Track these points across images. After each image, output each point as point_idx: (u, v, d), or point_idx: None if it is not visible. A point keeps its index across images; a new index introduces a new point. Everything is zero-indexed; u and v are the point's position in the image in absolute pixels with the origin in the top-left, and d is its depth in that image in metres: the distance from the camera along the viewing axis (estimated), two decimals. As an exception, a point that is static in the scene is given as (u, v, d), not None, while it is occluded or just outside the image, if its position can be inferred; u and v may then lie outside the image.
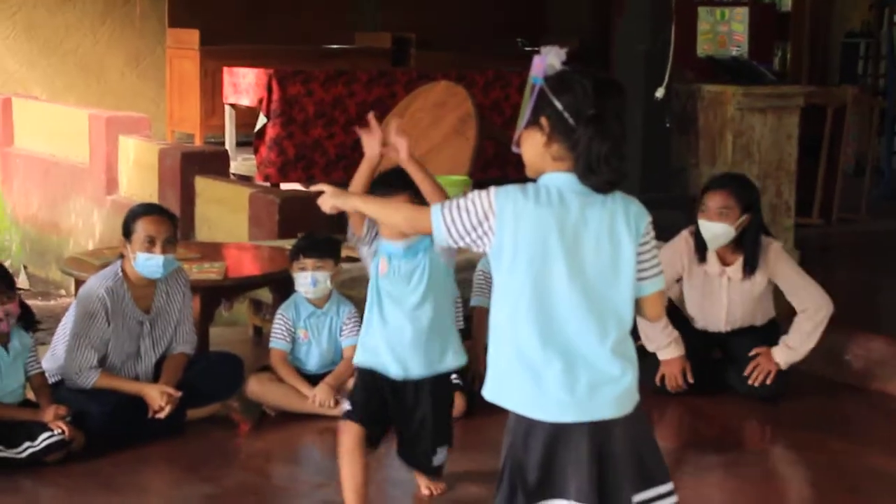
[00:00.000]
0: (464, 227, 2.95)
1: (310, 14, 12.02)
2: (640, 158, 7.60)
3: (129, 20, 11.93)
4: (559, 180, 2.92)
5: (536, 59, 2.97)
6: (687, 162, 7.83)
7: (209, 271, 5.93)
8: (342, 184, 9.01)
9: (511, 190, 2.93)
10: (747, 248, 5.71)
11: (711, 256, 5.80)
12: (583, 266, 2.94)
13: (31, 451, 4.80)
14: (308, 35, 11.75)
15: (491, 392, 3.03)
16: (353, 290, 6.18)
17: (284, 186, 9.07)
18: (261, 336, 6.76)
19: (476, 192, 2.96)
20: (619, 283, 2.97)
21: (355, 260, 6.36)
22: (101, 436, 5.03)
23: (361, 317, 5.67)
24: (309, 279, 5.51)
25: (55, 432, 4.83)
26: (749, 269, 5.73)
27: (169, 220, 5.30)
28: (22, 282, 10.49)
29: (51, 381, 5.17)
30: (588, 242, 2.94)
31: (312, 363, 5.61)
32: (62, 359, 5.24)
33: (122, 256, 5.29)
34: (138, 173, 9.33)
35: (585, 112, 2.87)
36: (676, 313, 5.91)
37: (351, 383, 5.50)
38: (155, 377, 5.32)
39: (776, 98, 7.74)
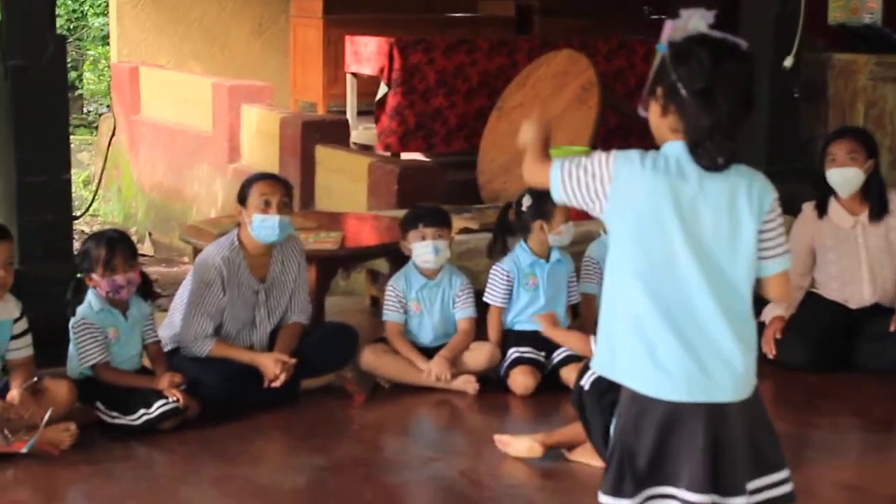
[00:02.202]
0: (579, 184, 2.88)
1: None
2: (767, 129, 7.40)
3: (253, -11, 11.99)
4: (678, 150, 2.83)
5: (667, 24, 2.88)
6: (816, 133, 7.61)
7: (325, 241, 5.91)
8: (463, 153, 9.00)
9: (630, 155, 2.85)
10: (873, 192, 5.86)
11: (841, 211, 5.88)
12: (700, 239, 2.83)
13: (146, 418, 4.83)
14: (431, 3, 11.67)
15: (602, 365, 2.95)
16: (469, 262, 6.13)
17: (405, 156, 9.03)
18: (377, 306, 6.71)
19: (598, 152, 2.88)
20: (738, 261, 2.86)
21: (472, 231, 6.31)
22: (215, 404, 5.05)
23: (474, 289, 5.65)
24: (430, 248, 5.46)
25: (170, 400, 4.85)
26: (879, 210, 5.84)
27: (283, 185, 5.31)
28: (147, 248, 10.64)
29: (166, 349, 5.20)
30: (706, 215, 2.83)
31: (426, 335, 5.56)
32: (178, 327, 5.27)
33: (238, 226, 5.30)
34: (260, 142, 9.37)
35: (696, 84, 2.77)
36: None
37: (466, 356, 5.47)
38: (270, 346, 5.33)
39: (911, 66, 7.48)
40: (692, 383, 2.83)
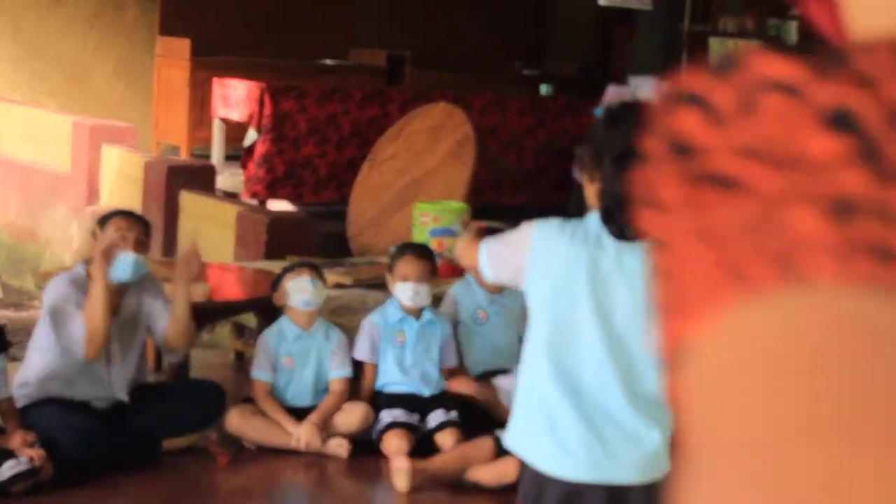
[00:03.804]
0: (503, 259, 2.80)
1: (303, 28, 11.76)
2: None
3: (118, 27, 11.64)
4: (598, 220, 2.69)
5: (609, 90, 2.77)
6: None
7: (194, 293, 5.63)
8: (333, 203, 8.80)
9: (550, 223, 2.75)
10: None
11: None
12: (611, 315, 2.70)
13: (-6, 480, 4.50)
14: (301, 49, 11.48)
15: (509, 439, 2.85)
16: (342, 318, 5.91)
17: (272, 204, 8.78)
18: (243, 361, 6.47)
19: (523, 224, 2.76)
20: (650, 339, 2.71)
21: (345, 286, 6.10)
22: (70, 465, 4.72)
23: (350, 346, 5.44)
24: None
25: (22, 460, 4.52)
26: None
27: (143, 223, 5.05)
28: (-4, 291, 10.18)
29: (20, 404, 4.86)
30: (620, 290, 2.70)
31: (297, 395, 5.31)
32: (34, 368, 4.93)
33: (87, 263, 5.00)
34: (121, 185, 9.03)
35: (616, 150, 2.64)
36: None
37: (338, 417, 5.24)
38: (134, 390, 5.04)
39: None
40: (593, 465, 2.69)
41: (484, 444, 4.95)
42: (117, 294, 4.97)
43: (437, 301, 5.77)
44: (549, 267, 2.73)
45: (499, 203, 9.43)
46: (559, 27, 13.47)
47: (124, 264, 4.88)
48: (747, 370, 0.42)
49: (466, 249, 2.96)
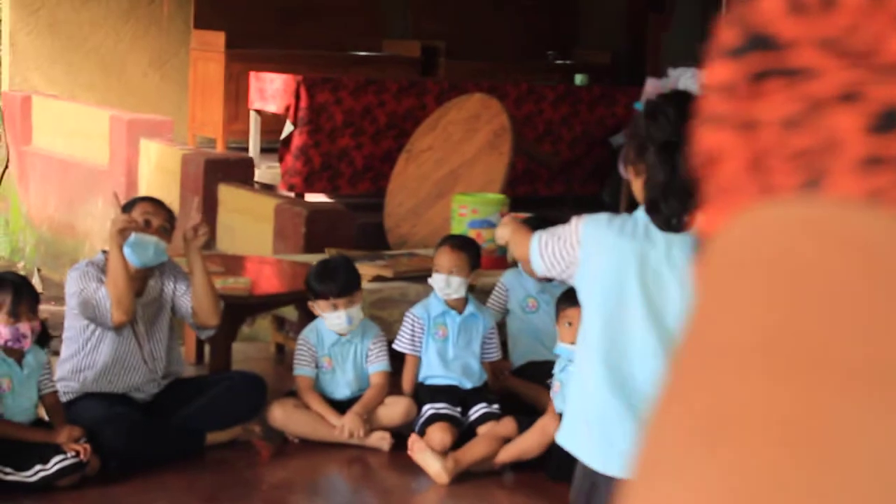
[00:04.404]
0: (554, 254, 2.77)
1: (337, 20, 11.76)
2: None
3: (153, 20, 11.68)
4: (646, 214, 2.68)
5: (648, 82, 2.75)
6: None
7: (234, 287, 5.66)
8: (369, 195, 8.82)
9: (598, 218, 2.74)
10: None
11: None
12: (662, 309, 2.68)
13: (42, 474, 4.53)
14: (335, 41, 11.49)
15: (562, 435, 2.84)
16: (382, 311, 5.92)
17: (309, 197, 8.80)
18: (283, 354, 6.49)
19: (573, 218, 2.74)
20: None
21: (385, 279, 6.10)
22: (116, 459, 4.76)
23: (388, 340, 5.44)
24: (344, 318, 5.22)
25: (69, 455, 4.56)
26: None
27: (167, 211, 5.08)
28: (35, 285, 10.23)
29: (64, 399, 4.90)
30: (671, 284, 2.68)
31: (339, 391, 5.33)
32: (71, 359, 4.97)
33: (107, 252, 5.02)
34: (159, 178, 9.06)
35: (660, 140, 2.63)
36: None
37: (381, 411, 5.25)
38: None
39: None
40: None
41: (507, 424, 5.03)
42: (140, 278, 5.01)
43: (487, 293, 5.77)
44: (599, 263, 2.71)
45: (534, 193, 9.42)
46: (590, 16, 13.42)
47: (146, 248, 4.91)
48: (735, 276, 0.40)
49: (517, 241, 2.93)
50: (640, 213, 2.71)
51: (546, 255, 2.79)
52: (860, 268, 0.37)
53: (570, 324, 4.87)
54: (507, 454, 4.91)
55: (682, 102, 2.66)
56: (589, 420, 2.74)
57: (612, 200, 9.80)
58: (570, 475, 2.86)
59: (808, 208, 0.39)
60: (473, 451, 4.97)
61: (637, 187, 2.72)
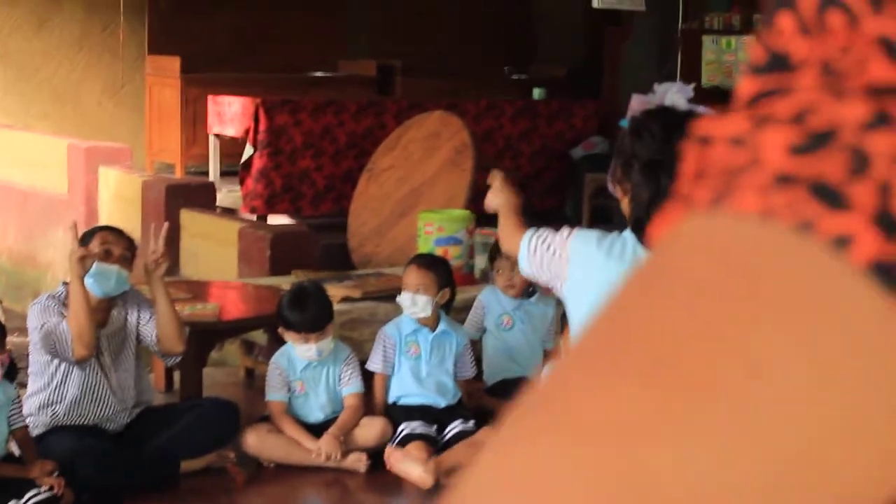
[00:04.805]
0: (541, 262, 2.77)
1: (292, 41, 11.74)
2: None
3: (106, 47, 11.61)
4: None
5: (634, 98, 2.72)
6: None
7: (202, 313, 5.62)
8: (332, 215, 8.79)
9: (588, 236, 2.72)
10: None
11: None
12: None
13: (16, 510, 4.47)
14: (291, 63, 11.46)
15: None
16: (353, 332, 5.89)
17: (271, 219, 8.76)
18: (253, 378, 6.44)
19: (563, 229, 2.72)
20: None
21: (353, 300, 6.08)
22: (89, 491, 4.70)
23: (360, 360, 5.42)
24: (314, 351, 5.19)
25: (42, 489, 4.50)
26: None
27: (127, 240, 5.04)
28: (-3, 317, 10.13)
29: (34, 433, 4.84)
30: None
31: (312, 414, 5.29)
32: (38, 393, 4.92)
33: (67, 284, 4.97)
34: (119, 205, 9.00)
35: (645, 158, 2.62)
36: None
37: (356, 432, 5.22)
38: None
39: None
40: None
41: (485, 432, 5.04)
42: (103, 308, 4.95)
43: (465, 309, 5.76)
44: (586, 281, 2.70)
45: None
46: (545, 31, 13.45)
47: (108, 278, 4.86)
48: (632, 282, 0.43)
49: (507, 233, 2.93)
50: (629, 234, 2.70)
51: (534, 261, 2.78)
52: (709, 274, 0.39)
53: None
54: None
55: (667, 119, 2.65)
56: None
57: (573, 213, 9.83)
58: None
59: (700, 222, 0.40)
60: (452, 456, 5.01)
61: (624, 205, 2.71)
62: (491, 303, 5.76)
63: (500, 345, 5.70)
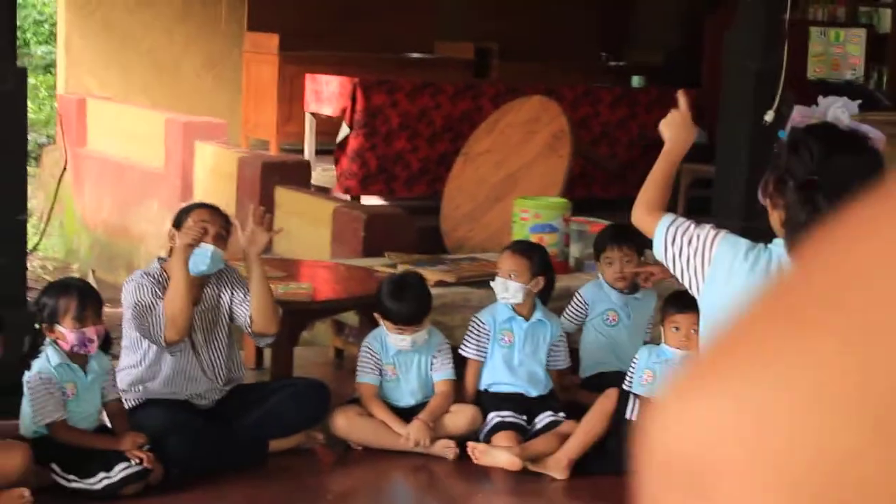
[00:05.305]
0: (680, 255, 2.72)
1: (388, 19, 11.71)
2: (745, 185, 7.20)
3: (207, 21, 11.66)
4: (782, 248, 2.61)
5: (795, 110, 2.65)
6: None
7: (296, 292, 5.59)
8: (424, 198, 8.75)
9: (737, 243, 2.68)
10: None
11: None
12: None
13: (107, 482, 4.48)
14: (388, 42, 11.43)
15: None
16: (445, 317, 5.84)
17: (364, 199, 8.74)
18: (342, 359, 6.43)
19: (708, 227, 2.66)
20: None
21: (447, 284, 6.02)
22: (179, 467, 4.69)
23: (453, 347, 5.37)
24: (409, 341, 5.15)
25: (133, 462, 4.50)
26: None
27: (223, 217, 5.01)
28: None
29: (128, 405, 4.85)
30: None
31: (403, 399, 5.25)
32: (130, 369, 4.93)
33: (162, 259, 4.96)
34: (215, 181, 9.03)
35: (802, 177, 2.54)
36: None
37: (446, 419, 5.18)
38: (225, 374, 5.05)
39: (893, 125, 7.31)
40: None
41: (570, 424, 5.06)
42: (197, 286, 4.94)
43: (560, 298, 5.68)
44: (725, 289, 2.66)
45: (591, 196, 9.31)
46: (642, 16, 13.29)
47: (203, 256, 4.84)
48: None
49: (644, 215, 2.85)
50: (776, 248, 2.65)
51: (671, 250, 2.74)
52: None
53: (676, 328, 4.93)
54: (574, 442, 4.93)
55: (828, 138, 2.58)
56: None
57: (670, 204, 9.69)
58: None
59: None
60: (539, 444, 5.03)
61: (774, 219, 2.67)
62: (594, 298, 5.65)
63: (603, 339, 5.61)
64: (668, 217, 2.78)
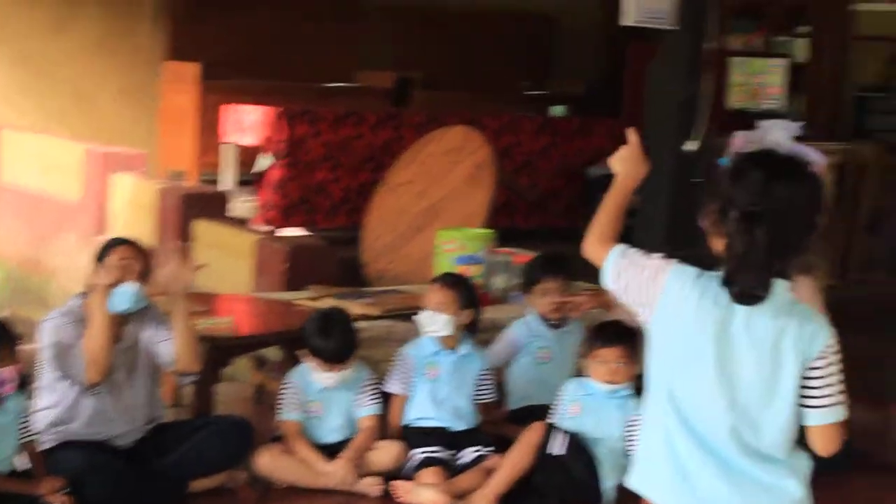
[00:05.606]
0: (629, 285, 2.71)
1: (312, 51, 11.64)
2: (666, 215, 7.23)
3: (126, 50, 11.50)
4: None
5: (737, 136, 2.64)
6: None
7: (216, 328, 5.49)
8: (345, 229, 8.67)
9: (686, 273, 2.66)
10: None
11: None
12: (734, 378, 2.61)
13: (23, 528, 4.34)
14: (309, 72, 11.36)
15: (637, 482, 2.77)
16: (370, 351, 5.75)
17: (284, 230, 8.64)
18: (263, 394, 6.31)
19: (657, 258, 2.69)
20: (774, 406, 2.62)
21: (371, 318, 5.95)
22: (98, 509, 4.57)
23: (378, 381, 5.29)
24: (334, 379, 5.10)
25: (50, 507, 4.37)
26: None
27: (145, 254, 4.89)
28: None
29: (43, 447, 4.71)
30: (746, 354, 2.62)
31: (327, 435, 5.17)
32: (47, 410, 4.79)
33: (83, 295, 4.84)
34: (133, 213, 8.87)
35: (743, 207, 2.53)
36: None
37: (371, 455, 5.09)
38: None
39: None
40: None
41: (496, 459, 5.02)
42: (118, 323, 4.82)
43: (486, 330, 5.63)
44: (675, 318, 2.65)
45: (512, 226, 9.30)
46: (564, 47, 13.35)
47: (126, 295, 4.73)
48: None
49: (595, 244, 2.82)
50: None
51: (620, 280, 2.73)
52: None
53: (602, 362, 4.96)
54: (500, 477, 4.87)
55: (770, 165, 2.55)
56: (668, 470, 2.68)
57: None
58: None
59: None
60: (466, 480, 4.98)
61: (716, 246, 2.65)
62: (525, 338, 5.59)
63: (532, 375, 5.56)
64: (620, 247, 2.77)
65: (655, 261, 2.71)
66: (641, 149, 2.94)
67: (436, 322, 5.21)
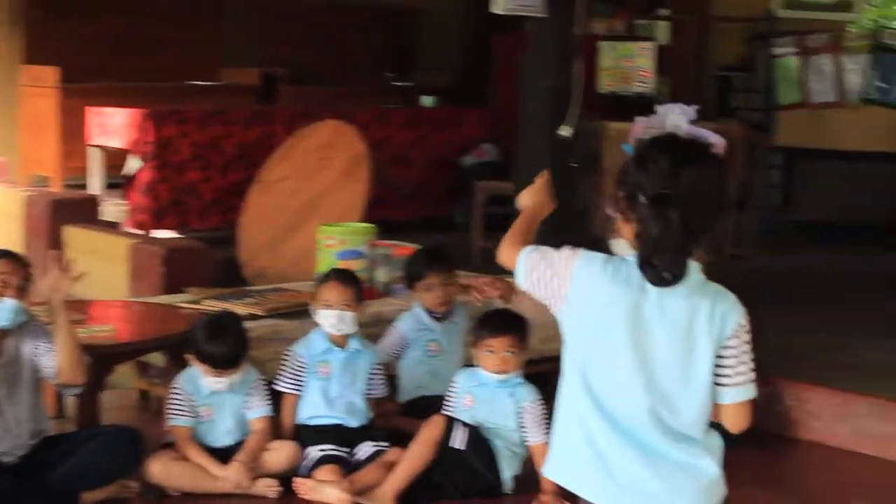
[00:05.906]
0: (540, 279, 2.72)
1: (174, 51, 11.45)
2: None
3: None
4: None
5: (637, 122, 2.66)
6: (591, 202, 7.50)
7: (99, 335, 5.35)
8: (219, 229, 8.54)
9: (593, 258, 2.67)
10: None
11: None
12: (649, 360, 2.62)
13: None
14: (172, 72, 11.17)
15: (553, 471, 2.76)
16: (256, 351, 5.66)
17: (157, 233, 8.49)
18: (148, 400, 6.19)
19: (567, 247, 2.69)
20: (690, 386, 2.63)
21: (258, 317, 5.87)
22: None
23: (267, 381, 5.22)
24: (224, 384, 5.04)
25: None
26: None
27: (23, 266, 4.76)
28: None
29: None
30: (660, 335, 2.62)
31: (219, 439, 5.07)
32: None
33: None
34: (0, 222, 8.64)
35: (652, 192, 2.55)
36: None
37: (266, 456, 5.02)
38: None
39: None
40: (645, 492, 2.64)
41: (395, 452, 5.01)
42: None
43: (371, 325, 5.59)
44: (589, 305, 2.65)
45: (385, 219, 9.27)
46: (427, 38, 13.35)
47: (4, 311, 4.60)
48: None
49: (508, 247, 2.84)
50: (632, 260, 2.64)
51: (532, 278, 2.74)
52: None
53: (491, 351, 4.88)
54: (401, 472, 4.84)
55: (674, 151, 2.57)
56: (584, 456, 2.67)
57: (464, 221, 9.72)
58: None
59: None
60: (365, 476, 4.92)
61: (626, 233, 2.66)
62: (414, 332, 5.57)
63: (424, 368, 5.53)
64: (530, 247, 2.79)
65: (564, 251, 2.73)
66: (551, 187, 3.00)
67: (344, 321, 5.16)
